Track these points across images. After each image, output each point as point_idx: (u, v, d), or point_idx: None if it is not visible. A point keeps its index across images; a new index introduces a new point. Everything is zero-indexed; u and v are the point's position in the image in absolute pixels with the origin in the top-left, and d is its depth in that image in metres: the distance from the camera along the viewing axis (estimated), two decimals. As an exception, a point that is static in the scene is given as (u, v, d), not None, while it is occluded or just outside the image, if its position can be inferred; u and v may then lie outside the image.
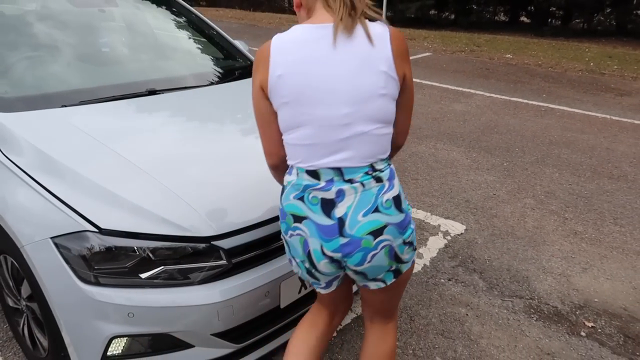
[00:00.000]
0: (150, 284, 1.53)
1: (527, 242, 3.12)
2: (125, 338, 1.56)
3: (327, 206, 1.26)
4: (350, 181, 1.26)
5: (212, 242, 1.57)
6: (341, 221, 1.26)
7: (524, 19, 17.32)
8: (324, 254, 1.30)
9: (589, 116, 5.72)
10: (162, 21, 2.88)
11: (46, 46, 2.28)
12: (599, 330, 2.39)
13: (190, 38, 2.87)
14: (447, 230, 3.24)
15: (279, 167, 1.39)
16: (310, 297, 1.89)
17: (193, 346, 1.60)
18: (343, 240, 1.27)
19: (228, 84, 2.50)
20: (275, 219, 1.71)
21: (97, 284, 1.51)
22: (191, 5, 3.06)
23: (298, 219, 1.30)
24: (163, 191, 1.63)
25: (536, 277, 2.78)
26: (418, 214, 3.44)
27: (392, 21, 12.02)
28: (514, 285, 2.70)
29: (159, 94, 2.22)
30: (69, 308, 1.55)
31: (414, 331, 2.33)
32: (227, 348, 1.64)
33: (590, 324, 2.42)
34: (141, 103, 2.12)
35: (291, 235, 1.35)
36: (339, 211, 1.26)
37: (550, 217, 3.44)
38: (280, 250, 1.75)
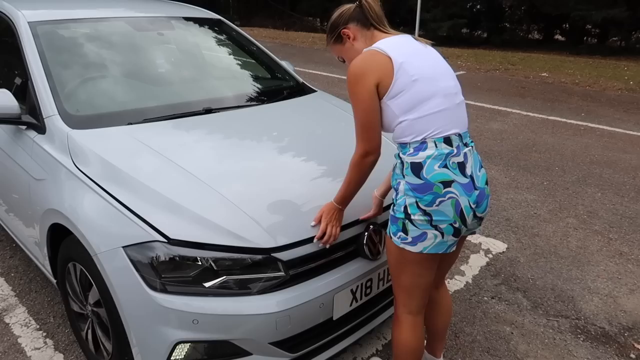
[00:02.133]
0: (213, 292, 1.61)
1: (571, 262, 3.09)
2: (188, 344, 1.64)
3: (462, 168, 1.56)
4: (466, 145, 1.61)
5: (271, 254, 1.65)
6: (472, 178, 1.57)
7: (558, 37, 17.15)
8: (471, 207, 1.57)
9: (631, 136, 5.62)
10: (215, 43, 3.03)
11: (110, 67, 2.43)
12: (650, 352, 2.35)
13: (240, 59, 3.00)
14: (489, 249, 3.24)
15: (378, 156, 1.64)
16: (360, 311, 1.94)
17: (251, 354, 1.67)
18: (477, 192, 1.58)
19: (278, 102, 2.60)
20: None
21: (164, 291, 1.60)
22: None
23: (447, 184, 1.53)
24: (225, 203, 1.71)
25: (582, 297, 2.75)
26: (458, 231, 3.45)
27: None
28: (559, 305, 2.68)
29: (215, 112, 2.34)
30: (137, 314, 1.64)
31: (459, 347, 2.34)
32: (283, 357, 1.70)
33: (639, 346, 2.38)
34: (199, 121, 2.24)
35: (440, 202, 1.53)
36: (468, 170, 1.57)
37: (594, 237, 3.40)
38: (335, 263, 1.81)
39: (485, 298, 2.73)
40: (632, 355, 2.33)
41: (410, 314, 1.75)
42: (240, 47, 3.10)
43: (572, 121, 6.19)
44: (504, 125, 6.05)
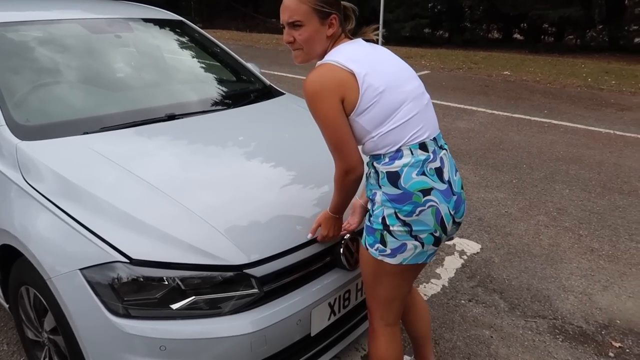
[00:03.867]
0: (181, 314, 1.49)
1: (545, 260, 3.09)
2: (156, 372, 1.51)
3: (439, 173, 1.49)
4: (441, 147, 1.55)
5: (243, 270, 1.54)
6: (449, 183, 1.51)
7: (517, 36, 17.56)
8: (450, 214, 1.51)
9: (593, 131, 5.74)
10: (177, 45, 2.89)
11: (64, 73, 2.26)
12: (627, 350, 2.35)
13: (204, 62, 2.87)
14: (463, 250, 3.21)
15: (361, 172, 1.54)
16: (339, 324, 1.85)
17: (224, 378, 1.55)
18: (454, 198, 1.52)
19: (245, 107, 2.49)
20: (307, 244, 1.69)
21: (127, 316, 1.47)
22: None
23: (427, 192, 1.46)
24: (192, 218, 1.59)
25: (557, 296, 2.74)
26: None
27: (388, 40, 12.17)
28: (535, 305, 2.66)
29: (179, 118, 2.20)
30: (98, 342, 1.50)
31: (440, 355, 2.29)
32: (260, 379, 1.60)
33: (617, 344, 2.38)
34: (161, 128, 2.10)
35: (420, 212, 1.46)
36: (445, 175, 1.51)
37: (565, 234, 3.42)
38: (311, 276, 1.71)
39: (463, 301, 2.68)
40: (611, 354, 2.32)
41: (387, 326, 1.69)
42: (204, 49, 2.97)
43: (536, 118, 6.29)
44: (470, 123, 6.09)
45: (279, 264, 1.61)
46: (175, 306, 1.49)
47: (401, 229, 1.47)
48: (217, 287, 1.53)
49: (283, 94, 2.81)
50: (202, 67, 2.82)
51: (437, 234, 1.50)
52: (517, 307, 2.64)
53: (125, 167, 1.76)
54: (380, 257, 1.53)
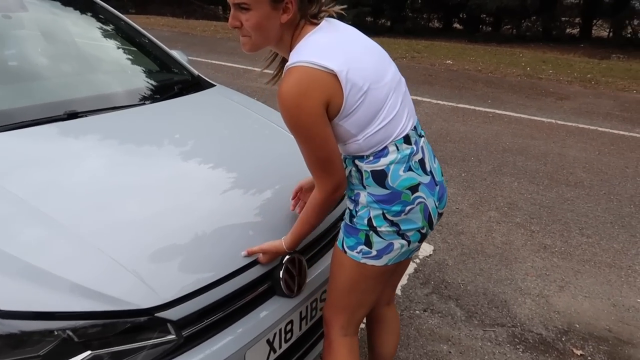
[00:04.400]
0: (73, 376, 1.15)
1: (499, 261, 2.94)
2: None
3: (422, 165, 1.35)
4: (420, 135, 1.40)
5: (155, 314, 1.21)
6: (431, 173, 1.37)
7: (457, 25, 17.78)
8: (436, 207, 1.40)
9: (536, 121, 5.74)
10: (84, 28, 2.45)
11: None
12: (589, 358, 2.21)
13: (118, 48, 2.46)
14: (416, 253, 2.99)
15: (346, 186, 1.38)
16: None
17: None
18: (437, 188, 1.39)
19: (168, 101, 2.12)
20: (239, 272, 1.38)
21: (0, 382, 1.11)
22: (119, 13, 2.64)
23: (415, 188, 1.33)
24: (85, 249, 1.24)
25: (514, 301, 2.58)
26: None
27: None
28: (493, 312, 2.49)
29: (81, 117, 1.81)
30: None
31: (395, 379, 2.05)
32: None
33: (579, 352, 2.24)
34: (58, 129, 1.71)
35: (410, 210, 1.33)
36: (427, 166, 1.36)
37: (517, 230, 3.29)
38: (244, 310, 1.41)
39: (418, 312, 2.47)
40: (574, 364, 2.18)
41: (346, 336, 1.53)
42: (118, 33, 2.55)
43: (480, 108, 6.23)
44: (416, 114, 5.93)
45: (202, 300, 1.28)
46: (65, 365, 1.14)
47: (389, 229, 1.34)
48: (121, 336, 1.19)
49: (213, 85, 2.45)
50: (114, 54, 2.41)
51: (423, 231, 1.39)
52: (474, 316, 2.46)
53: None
54: (363, 260, 1.38)
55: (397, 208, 1.32)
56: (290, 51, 1.28)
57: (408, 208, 1.33)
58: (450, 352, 2.21)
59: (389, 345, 1.78)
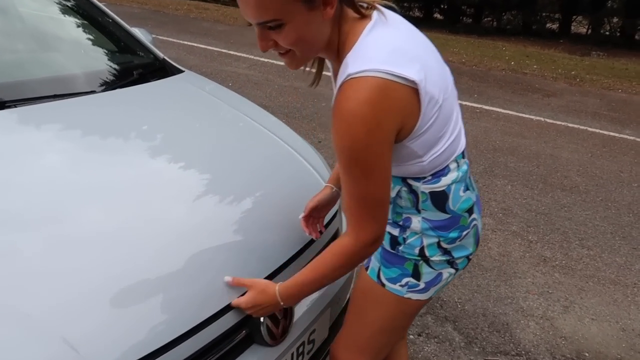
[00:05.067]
0: None
1: (497, 275, 2.67)
2: None
3: (471, 181, 1.16)
4: None
5: (88, 396, 0.87)
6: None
7: (437, 15, 17.54)
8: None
9: (524, 119, 5.51)
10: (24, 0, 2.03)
11: None
12: (604, 395, 1.97)
13: (67, 23, 2.05)
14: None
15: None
16: None
17: None
18: (479, 202, 1.19)
19: (124, 89, 1.74)
20: (207, 321, 1.04)
21: None
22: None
23: (471, 209, 1.12)
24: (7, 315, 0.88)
25: (517, 324, 2.32)
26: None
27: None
28: (495, 337, 2.22)
29: (11, 107, 1.43)
30: None
31: None
32: None
33: (592, 388, 1.99)
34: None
35: (465, 235, 1.12)
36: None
37: (513, 240, 3.04)
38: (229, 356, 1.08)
39: (412, 336, 2.18)
40: (589, 404, 1.93)
41: None
42: (69, 5, 2.14)
43: (467, 103, 5.97)
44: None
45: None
46: None
47: (441, 258, 1.13)
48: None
49: (182, 71, 2.08)
50: (62, 30, 2.00)
51: (471, 257, 1.19)
52: (474, 341, 2.18)
53: None
54: (408, 295, 1.15)
55: (454, 234, 1.10)
56: (340, 52, 0.96)
57: (464, 233, 1.11)
58: (450, 389, 1.93)
59: None
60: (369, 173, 0.93)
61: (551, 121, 5.46)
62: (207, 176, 1.40)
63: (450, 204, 1.08)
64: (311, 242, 1.39)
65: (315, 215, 1.35)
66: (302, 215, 1.32)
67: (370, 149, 0.90)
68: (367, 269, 1.21)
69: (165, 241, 1.12)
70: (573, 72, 8.13)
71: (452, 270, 1.16)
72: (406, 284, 1.14)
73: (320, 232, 1.38)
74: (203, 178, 1.39)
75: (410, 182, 1.07)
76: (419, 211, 1.09)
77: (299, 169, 1.59)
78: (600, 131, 5.23)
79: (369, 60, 0.88)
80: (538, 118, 5.54)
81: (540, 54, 9.90)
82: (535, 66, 8.49)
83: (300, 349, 1.35)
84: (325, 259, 1.04)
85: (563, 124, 5.40)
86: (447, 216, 1.08)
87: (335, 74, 1.04)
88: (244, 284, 1.11)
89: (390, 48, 0.91)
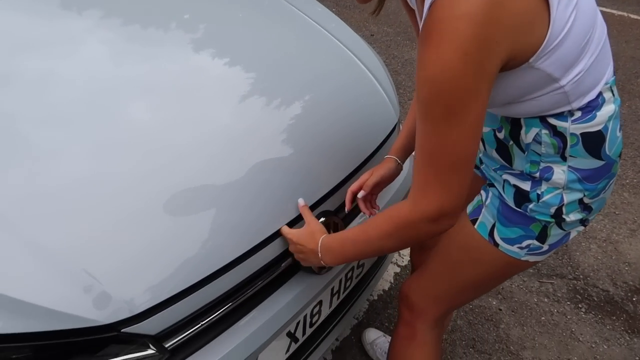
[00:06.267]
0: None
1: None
2: None
3: None
4: None
5: (121, 330, 0.79)
6: None
7: None
8: None
9: (603, 13, 4.88)
10: None
11: None
12: (666, 327, 1.85)
13: None
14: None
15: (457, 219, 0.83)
16: (294, 358, 1.19)
17: None
18: None
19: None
20: (249, 253, 0.94)
21: None
22: None
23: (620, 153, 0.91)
24: (20, 244, 0.79)
25: (577, 246, 2.17)
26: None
27: None
28: (551, 259, 2.09)
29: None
30: None
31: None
32: None
33: (654, 319, 1.87)
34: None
35: (609, 185, 0.92)
36: None
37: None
38: (253, 302, 1.00)
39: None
40: (649, 336, 1.82)
41: (435, 329, 1.15)
42: None
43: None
44: None
45: (195, 301, 0.87)
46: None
47: (578, 216, 0.91)
48: (81, 356, 0.80)
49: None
50: None
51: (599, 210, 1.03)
52: (529, 262, 2.07)
53: None
54: (525, 258, 0.96)
55: (602, 184, 0.89)
56: None
57: (611, 182, 0.92)
58: (500, 310, 1.85)
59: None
60: (452, 116, 0.70)
61: (635, 17, 4.81)
62: (258, 76, 1.21)
63: (607, 146, 0.84)
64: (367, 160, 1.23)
65: (372, 191, 1.14)
66: (361, 194, 1.11)
67: (464, 81, 0.67)
68: (473, 222, 0.99)
69: (213, 150, 0.99)
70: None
71: (581, 228, 0.96)
72: (527, 246, 0.94)
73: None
74: (254, 78, 1.20)
75: (553, 121, 0.82)
76: (564, 159, 0.85)
77: (361, 77, 1.39)
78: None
79: None
80: (620, 13, 4.89)
81: None
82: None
83: (349, 274, 1.27)
84: (376, 220, 0.87)
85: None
86: (600, 163, 0.86)
87: None
88: (305, 217, 1.00)
89: None
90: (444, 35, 0.65)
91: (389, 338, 1.65)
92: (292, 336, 1.11)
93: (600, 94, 0.80)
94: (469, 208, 1.02)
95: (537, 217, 0.90)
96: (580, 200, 0.88)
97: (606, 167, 0.86)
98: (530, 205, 0.90)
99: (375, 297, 1.87)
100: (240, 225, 0.94)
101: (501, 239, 0.95)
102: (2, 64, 1.04)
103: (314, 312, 1.16)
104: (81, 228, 0.81)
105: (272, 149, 1.07)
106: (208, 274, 0.87)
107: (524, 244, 0.93)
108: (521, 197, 0.91)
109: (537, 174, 0.88)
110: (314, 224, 0.98)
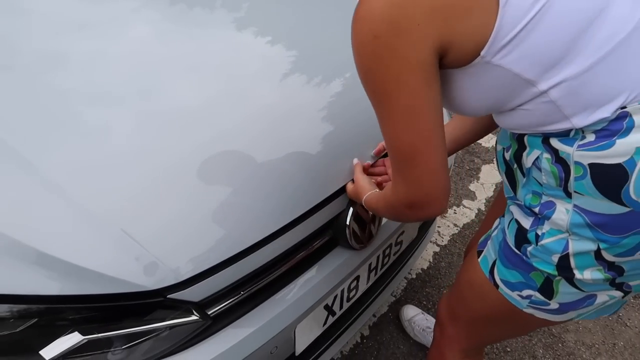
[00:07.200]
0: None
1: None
2: None
3: None
4: None
5: (167, 296, 0.84)
6: None
7: None
8: None
9: None
10: None
11: None
12: None
13: None
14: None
15: (442, 210, 0.76)
16: (331, 331, 1.22)
17: None
18: None
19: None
20: (288, 226, 0.97)
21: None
22: None
23: None
24: (73, 212, 0.84)
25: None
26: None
27: None
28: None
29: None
30: None
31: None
32: None
33: None
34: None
35: None
36: None
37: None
38: (293, 275, 1.03)
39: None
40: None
41: (467, 358, 1.07)
42: None
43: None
44: None
45: (237, 270, 0.91)
46: (47, 353, 0.83)
47: (599, 276, 0.71)
48: (126, 320, 0.85)
49: None
50: None
51: None
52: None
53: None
54: (529, 311, 0.82)
55: (630, 241, 0.66)
56: None
57: None
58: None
59: None
60: (380, 104, 0.66)
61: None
62: (302, 54, 1.24)
63: (633, 189, 0.63)
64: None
65: None
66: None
67: (377, 66, 0.62)
68: (479, 253, 0.89)
69: (262, 126, 1.02)
70: None
71: (616, 294, 0.75)
72: (528, 297, 0.80)
73: None
74: (299, 58, 1.23)
75: (556, 143, 0.67)
76: (568, 195, 0.68)
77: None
78: None
79: None
80: None
81: None
82: None
83: (387, 251, 1.28)
84: (384, 192, 0.86)
85: None
86: (622, 210, 0.64)
87: None
88: (355, 175, 1.03)
89: None
90: (359, 17, 0.62)
91: (427, 316, 1.66)
92: (329, 309, 1.14)
93: (628, 114, 0.62)
94: (483, 237, 0.93)
95: (535, 264, 0.74)
96: (598, 254, 0.69)
97: (634, 217, 0.64)
98: (529, 248, 0.75)
99: (414, 276, 1.87)
100: (280, 200, 0.96)
101: (501, 280, 0.83)
102: (54, 44, 1.10)
103: (352, 287, 1.19)
104: (136, 201, 0.86)
105: (320, 123, 1.09)
106: (249, 244, 0.90)
107: (524, 293, 0.80)
108: (521, 236, 0.77)
109: (537, 209, 0.73)
110: (360, 182, 1.00)
